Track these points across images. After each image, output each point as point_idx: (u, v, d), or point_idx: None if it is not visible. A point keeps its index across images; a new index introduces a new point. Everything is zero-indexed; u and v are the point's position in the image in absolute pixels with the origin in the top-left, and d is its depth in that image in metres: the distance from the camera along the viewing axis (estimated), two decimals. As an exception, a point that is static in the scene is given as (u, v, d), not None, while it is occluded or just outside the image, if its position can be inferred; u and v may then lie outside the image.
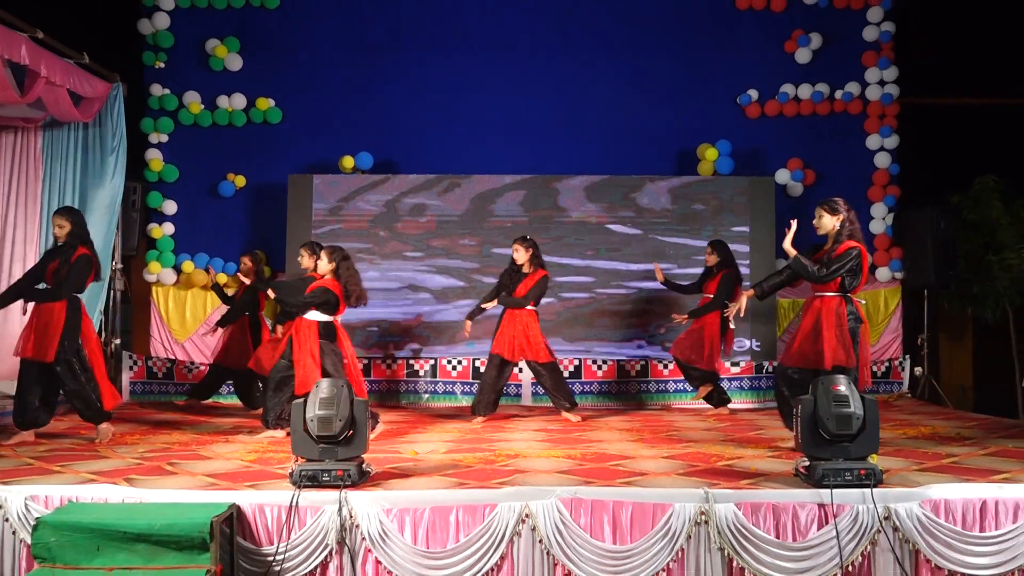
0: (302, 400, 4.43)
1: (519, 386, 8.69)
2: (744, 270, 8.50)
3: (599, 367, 8.75)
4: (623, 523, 4.16)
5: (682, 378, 8.34)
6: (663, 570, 4.12)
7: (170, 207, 9.16)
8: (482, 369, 8.80)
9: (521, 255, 7.39)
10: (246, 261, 7.94)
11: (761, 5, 9.31)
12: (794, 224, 5.87)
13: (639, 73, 9.33)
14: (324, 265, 6.26)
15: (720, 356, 7.89)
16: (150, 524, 3.90)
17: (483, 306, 7.47)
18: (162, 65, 9.22)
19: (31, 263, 8.08)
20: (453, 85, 9.32)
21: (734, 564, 4.14)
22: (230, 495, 4.26)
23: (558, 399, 7.45)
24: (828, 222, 5.76)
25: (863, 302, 6.17)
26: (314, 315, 6.16)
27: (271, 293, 6.55)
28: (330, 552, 4.14)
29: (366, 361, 8.63)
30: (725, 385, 8.46)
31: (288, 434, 5.48)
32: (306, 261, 7.21)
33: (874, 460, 4.40)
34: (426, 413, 8.08)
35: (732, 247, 8.15)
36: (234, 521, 4.13)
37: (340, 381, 4.53)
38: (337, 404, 4.35)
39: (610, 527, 4.17)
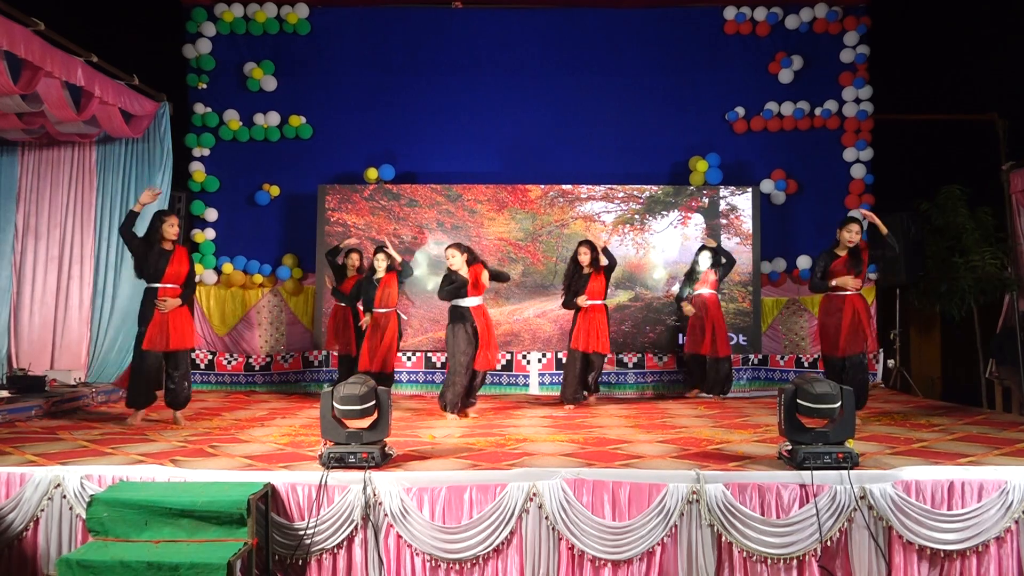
0: (330, 390, 4.42)
1: (527, 376, 8.68)
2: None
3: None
4: (622, 501, 4.15)
5: (672, 370, 8.37)
6: (658, 544, 4.10)
7: (211, 214, 9.18)
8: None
9: (586, 257, 7.48)
10: (355, 257, 8.09)
11: (747, 30, 9.27)
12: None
13: (637, 93, 9.29)
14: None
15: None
16: (193, 501, 3.90)
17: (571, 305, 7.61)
18: (204, 86, 9.24)
19: (88, 267, 8.15)
20: (467, 103, 9.30)
21: (723, 539, 4.12)
22: (265, 475, 4.26)
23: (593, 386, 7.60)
24: (858, 238, 6.28)
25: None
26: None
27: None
28: (355, 527, 4.14)
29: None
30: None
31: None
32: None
33: (851, 444, 4.38)
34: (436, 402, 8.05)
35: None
36: (269, 499, 4.13)
37: (364, 376, 4.53)
38: (364, 396, 4.36)
39: (610, 505, 4.15)
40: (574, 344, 7.46)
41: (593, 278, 7.46)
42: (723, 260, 8.10)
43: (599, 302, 7.48)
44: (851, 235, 6.23)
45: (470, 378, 6.77)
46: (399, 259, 7.53)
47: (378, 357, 7.25)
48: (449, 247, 6.89)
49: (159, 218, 6.20)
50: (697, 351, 8.05)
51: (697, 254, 8.25)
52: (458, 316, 6.77)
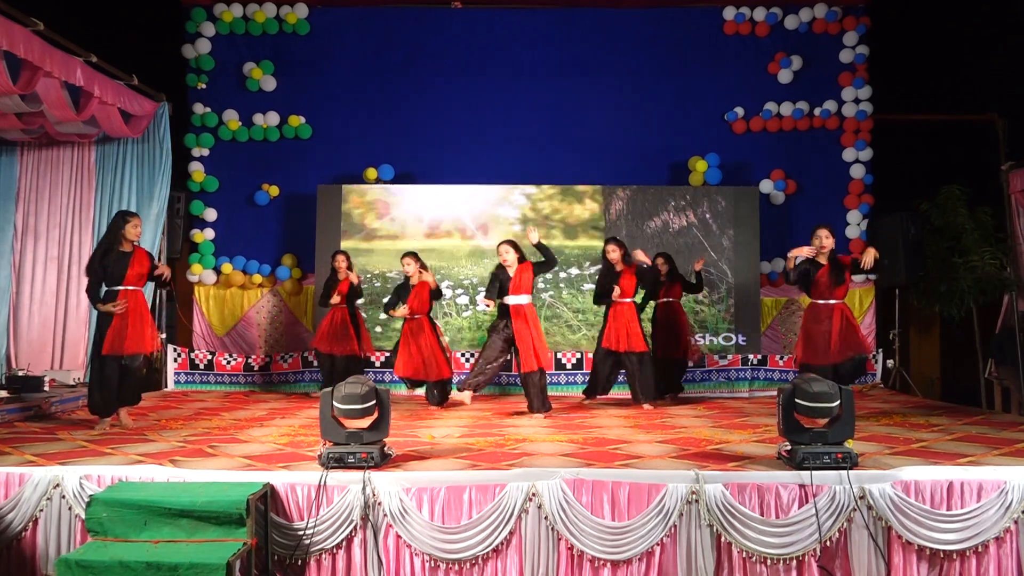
0: (329, 390, 4.42)
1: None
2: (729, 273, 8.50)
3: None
4: (621, 502, 4.14)
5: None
6: (657, 545, 4.10)
7: (211, 214, 9.18)
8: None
9: (615, 255, 7.30)
10: (340, 259, 7.87)
11: (747, 30, 9.28)
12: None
13: (636, 93, 9.30)
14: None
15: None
16: (192, 501, 3.90)
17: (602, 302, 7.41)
18: (204, 86, 9.25)
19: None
20: (466, 104, 9.31)
21: (722, 539, 4.11)
22: (264, 475, 4.25)
23: (643, 391, 7.26)
24: (830, 242, 6.16)
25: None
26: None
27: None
28: (355, 527, 4.13)
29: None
30: (713, 376, 8.43)
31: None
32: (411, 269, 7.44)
33: (850, 444, 4.37)
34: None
35: (720, 251, 8.14)
36: (268, 499, 4.13)
37: (364, 377, 4.53)
38: (365, 395, 4.36)
39: (609, 505, 4.15)
40: (605, 343, 7.31)
41: (626, 275, 7.28)
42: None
43: (629, 300, 7.28)
44: (819, 241, 6.14)
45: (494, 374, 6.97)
46: (434, 283, 7.49)
47: (429, 365, 7.31)
48: (501, 244, 6.95)
49: (123, 218, 5.94)
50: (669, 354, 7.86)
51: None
52: (502, 313, 6.89)
